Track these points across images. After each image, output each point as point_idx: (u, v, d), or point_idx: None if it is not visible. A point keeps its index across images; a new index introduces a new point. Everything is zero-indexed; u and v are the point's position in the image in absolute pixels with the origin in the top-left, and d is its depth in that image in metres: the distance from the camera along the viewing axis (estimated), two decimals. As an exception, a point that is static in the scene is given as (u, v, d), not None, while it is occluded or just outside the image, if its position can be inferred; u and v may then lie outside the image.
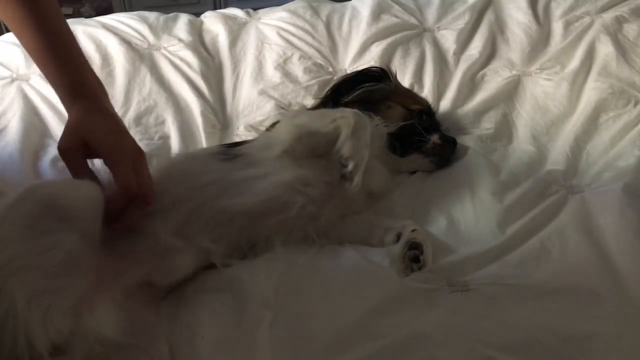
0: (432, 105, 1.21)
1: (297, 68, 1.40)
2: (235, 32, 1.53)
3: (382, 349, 0.68)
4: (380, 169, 0.99)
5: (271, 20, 1.56)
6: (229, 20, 1.57)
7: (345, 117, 0.92)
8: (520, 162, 1.07)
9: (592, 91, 1.21)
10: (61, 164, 1.08)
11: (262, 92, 1.35)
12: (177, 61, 1.41)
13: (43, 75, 1.27)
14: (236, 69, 1.43)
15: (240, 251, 0.87)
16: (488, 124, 1.20)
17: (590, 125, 1.13)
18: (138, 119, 1.26)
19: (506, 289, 0.77)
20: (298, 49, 1.45)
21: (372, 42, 1.46)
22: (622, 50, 1.30)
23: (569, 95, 1.23)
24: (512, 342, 0.68)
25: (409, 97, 1.19)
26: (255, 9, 1.66)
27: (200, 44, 1.49)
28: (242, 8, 1.67)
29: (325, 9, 1.59)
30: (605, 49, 1.31)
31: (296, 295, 0.78)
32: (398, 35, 1.47)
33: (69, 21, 0.95)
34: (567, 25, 1.43)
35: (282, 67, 1.41)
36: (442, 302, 0.76)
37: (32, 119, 1.20)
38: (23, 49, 1.35)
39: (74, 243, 0.67)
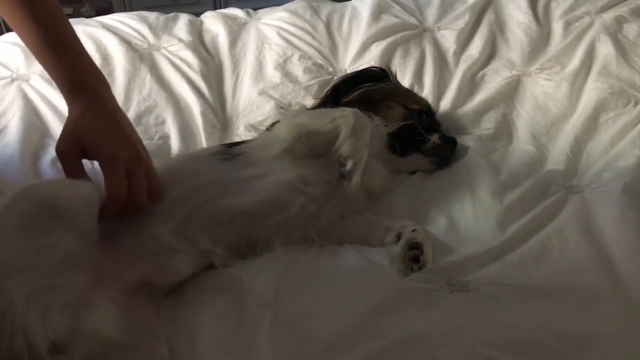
0: (432, 105, 1.21)
1: (297, 68, 1.40)
2: (235, 32, 1.53)
3: (382, 349, 0.68)
4: (380, 169, 0.99)
5: (271, 20, 1.56)
6: (229, 20, 1.57)
7: (345, 117, 0.92)
8: (520, 162, 1.07)
9: (592, 91, 1.21)
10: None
11: (262, 92, 1.35)
12: (177, 61, 1.41)
13: (44, 74, 1.29)
14: (236, 69, 1.43)
15: (240, 251, 0.87)
16: (488, 124, 1.20)
17: (590, 125, 1.13)
18: (138, 119, 1.26)
19: (506, 289, 0.77)
20: (298, 49, 1.45)
21: (372, 42, 1.46)
22: (622, 50, 1.30)
23: (569, 95, 1.23)
24: (512, 342, 0.68)
25: (409, 97, 1.19)
26: (255, 9, 1.66)
27: (200, 44, 1.49)
28: (242, 8, 1.67)
29: (325, 9, 1.59)
30: (605, 49, 1.31)
31: (296, 295, 0.78)
32: (398, 35, 1.47)
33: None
34: (567, 25, 1.43)
35: (282, 67, 1.41)
36: (442, 302, 0.75)
37: (32, 119, 1.20)
38: (23, 49, 1.37)
39: (71, 242, 0.67)
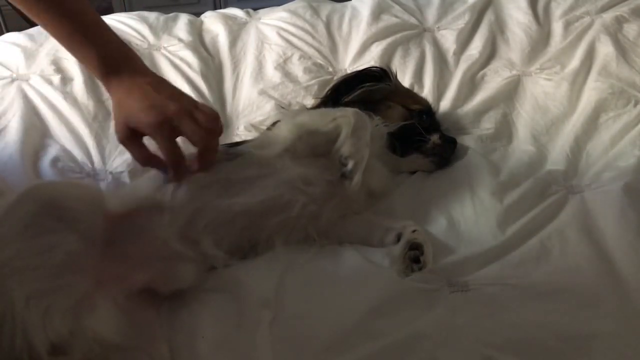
0: (432, 105, 1.21)
1: (297, 68, 1.40)
2: (235, 32, 1.53)
3: (382, 349, 0.68)
4: (381, 169, 0.99)
5: (271, 20, 1.56)
6: (229, 20, 1.57)
7: (345, 116, 0.92)
8: (520, 162, 1.06)
9: (592, 91, 1.21)
10: (61, 164, 1.09)
11: (262, 92, 1.35)
12: (177, 61, 1.41)
13: (44, 74, 1.29)
14: (236, 69, 1.43)
15: (241, 251, 0.87)
16: (488, 124, 1.20)
17: (590, 125, 1.13)
18: (138, 119, 1.26)
19: (506, 289, 0.77)
20: (298, 49, 1.45)
21: (372, 42, 1.46)
22: (622, 50, 1.30)
23: (569, 95, 1.23)
24: (512, 342, 0.68)
25: (409, 97, 1.19)
26: (255, 9, 1.66)
27: (200, 44, 1.49)
28: (242, 8, 1.67)
29: (325, 9, 1.59)
30: (605, 49, 1.31)
31: (296, 295, 0.78)
32: (398, 35, 1.47)
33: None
34: (567, 25, 1.43)
35: (282, 67, 1.41)
36: (442, 302, 0.76)
37: (32, 119, 1.20)
38: (23, 48, 1.38)
39: (73, 243, 0.67)
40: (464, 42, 1.46)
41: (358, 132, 0.91)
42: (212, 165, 0.87)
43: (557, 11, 1.48)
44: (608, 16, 1.40)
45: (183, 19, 1.58)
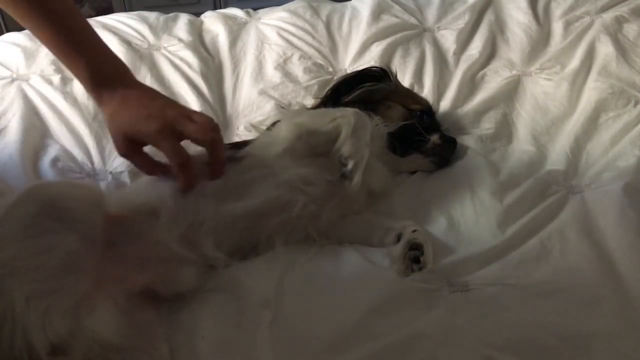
0: (432, 105, 1.21)
1: (297, 68, 1.40)
2: (235, 32, 1.53)
3: (382, 349, 0.68)
4: (381, 169, 0.99)
5: (271, 20, 1.56)
6: (229, 20, 1.57)
7: (345, 116, 0.92)
8: (520, 162, 1.07)
9: (592, 91, 1.21)
10: (61, 164, 1.09)
11: (262, 92, 1.35)
12: (177, 61, 1.41)
13: (44, 74, 1.29)
14: (236, 69, 1.43)
15: (242, 252, 0.87)
16: (488, 124, 1.20)
17: (590, 125, 1.13)
18: (138, 119, 1.26)
19: (506, 289, 0.77)
20: (298, 49, 1.45)
21: (372, 42, 1.46)
22: (622, 50, 1.30)
23: (569, 95, 1.23)
24: (512, 342, 0.68)
25: (409, 97, 1.19)
26: (255, 9, 1.66)
27: (200, 44, 1.49)
28: (242, 8, 1.67)
29: (325, 9, 1.59)
30: (605, 49, 1.31)
31: (296, 295, 0.78)
32: (398, 35, 1.47)
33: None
34: (567, 25, 1.43)
35: (282, 67, 1.41)
36: (442, 302, 0.76)
37: (32, 119, 1.20)
38: (23, 48, 1.37)
39: (73, 244, 0.67)
40: (464, 42, 1.46)
41: (358, 132, 0.91)
42: (223, 171, 0.86)
43: (557, 11, 1.48)
44: (608, 16, 1.40)
45: (183, 19, 1.58)
